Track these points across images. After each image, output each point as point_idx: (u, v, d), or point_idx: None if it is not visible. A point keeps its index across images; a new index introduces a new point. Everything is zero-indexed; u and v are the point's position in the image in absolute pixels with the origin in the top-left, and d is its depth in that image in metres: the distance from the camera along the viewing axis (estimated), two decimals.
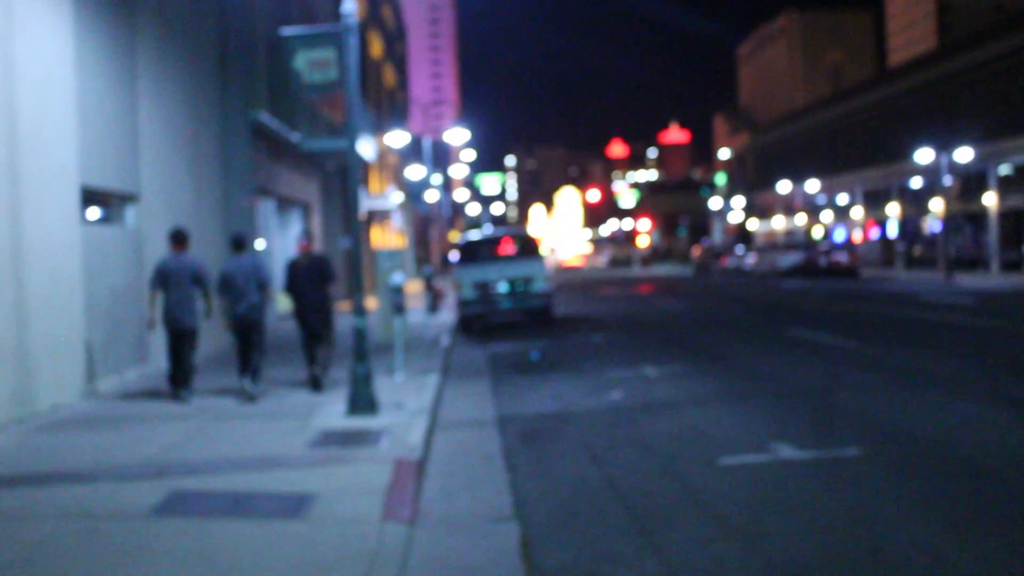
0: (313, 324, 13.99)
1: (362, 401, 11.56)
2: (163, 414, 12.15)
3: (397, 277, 15.87)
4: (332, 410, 11.99)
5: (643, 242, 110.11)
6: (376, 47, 50.02)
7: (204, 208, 19.89)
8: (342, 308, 29.96)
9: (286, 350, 17.87)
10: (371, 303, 25.11)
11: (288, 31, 12.12)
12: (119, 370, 14.91)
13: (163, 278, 13.05)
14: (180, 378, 13.22)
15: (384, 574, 6.09)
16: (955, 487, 7.74)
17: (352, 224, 12.36)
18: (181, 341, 13.22)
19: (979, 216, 52.85)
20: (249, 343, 13.33)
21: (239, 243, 13.66)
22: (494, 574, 6.21)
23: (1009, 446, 9.10)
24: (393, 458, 9.22)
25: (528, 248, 26.86)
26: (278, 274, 22.84)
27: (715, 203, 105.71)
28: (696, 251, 76.81)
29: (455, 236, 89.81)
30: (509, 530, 7.15)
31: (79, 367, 13.45)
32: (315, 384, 13.75)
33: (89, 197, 14.43)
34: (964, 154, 48.80)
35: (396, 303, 15.51)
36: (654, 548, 6.53)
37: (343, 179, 37.39)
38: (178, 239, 13.26)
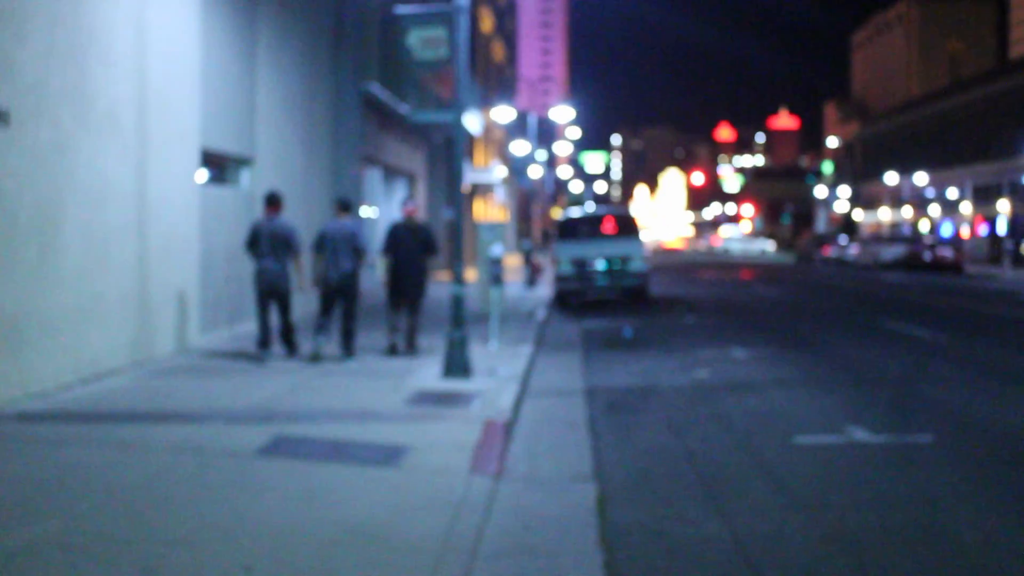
0: (406, 289, 14.23)
1: (457, 365, 12.11)
2: (269, 367, 12.85)
3: (496, 249, 16.37)
4: (428, 372, 12.57)
5: (746, 227, 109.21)
6: (486, 22, 50.56)
7: (313, 174, 20.66)
8: (440, 278, 30.67)
9: (377, 315, 18.54)
10: (471, 274, 25.69)
11: (402, 9, 12.69)
12: (231, 324, 15.72)
13: (255, 239, 13.25)
14: (267, 339, 13.29)
15: (468, 520, 6.60)
16: (1020, 477, 8.00)
17: (455, 195, 12.88)
18: (270, 302, 13.28)
19: None
20: (337, 307, 13.65)
21: (345, 205, 13.97)
22: (570, 526, 6.69)
23: None
24: (483, 419, 9.75)
25: (628, 227, 27.21)
26: (380, 238, 23.59)
27: (821, 192, 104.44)
28: (800, 239, 76.11)
29: (557, 213, 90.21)
30: (587, 489, 7.62)
31: (194, 318, 14.26)
32: (392, 351, 14.06)
33: (208, 159, 15.21)
34: None
35: (494, 274, 16.01)
36: (720, 513, 6.95)
37: (448, 151, 38.11)
38: (272, 203, 13.36)
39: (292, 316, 13.75)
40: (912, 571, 5.82)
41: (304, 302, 16.29)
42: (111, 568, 5.49)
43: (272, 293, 13.23)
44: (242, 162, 16.71)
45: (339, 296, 13.63)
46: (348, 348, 13.66)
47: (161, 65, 13.02)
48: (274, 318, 13.52)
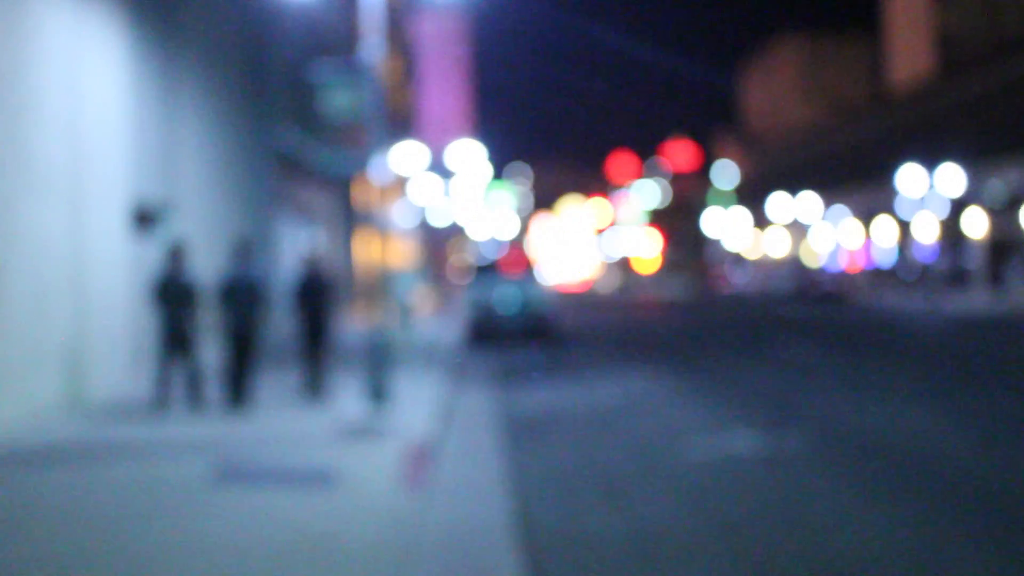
0: (314, 332, 14.69)
1: (379, 394, 13.07)
2: (200, 409, 13.70)
3: (409, 288, 17.39)
4: (351, 403, 13.53)
5: (646, 259, 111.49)
6: (392, 67, 51.67)
7: (231, 220, 21.52)
8: (353, 318, 31.51)
9: (286, 358, 19.15)
10: (384, 313, 26.62)
11: (317, 74, 13.74)
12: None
13: (162, 289, 13.39)
14: (167, 389, 13.33)
15: (404, 529, 7.60)
16: (873, 467, 9.35)
17: (386, 236, 13.90)
18: (177, 350, 13.43)
19: (968, 238, 54.19)
20: (243, 353, 13.63)
21: (240, 252, 14.08)
22: (493, 529, 7.75)
23: (922, 435, 10.67)
24: (407, 441, 10.79)
25: (532, 267, 28.78)
26: (290, 282, 24.42)
27: (715, 223, 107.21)
28: (699, 269, 78.34)
29: (462, 252, 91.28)
30: (506, 499, 8.68)
31: (126, 363, 15.05)
32: (314, 388, 14.47)
33: (137, 211, 16.00)
34: (954, 177, 50.13)
35: (407, 313, 17.03)
36: (621, 512, 8.14)
37: (350, 194, 39.04)
38: (176, 255, 13.51)
39: (199, 363, 13.77)
40: (781, 547, 7.03)
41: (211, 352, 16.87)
42: None
43: (179, 341, 13.45)
44: (167, 211, 17.53)
45: (245, 340, 13.68)
46: (244, 394, 13.63)
47: (95, 126, 13.90)
48: (182, 366, 13.59)
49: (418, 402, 13.84)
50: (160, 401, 13.30)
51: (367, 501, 8.38)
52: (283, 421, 12.58)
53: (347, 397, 14.26)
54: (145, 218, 16.56)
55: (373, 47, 13.55)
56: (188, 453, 10.39)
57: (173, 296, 13.37)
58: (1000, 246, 51.15)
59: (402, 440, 11.04)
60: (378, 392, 13.09)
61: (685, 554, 6.96)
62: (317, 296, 14.91)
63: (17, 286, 11.62)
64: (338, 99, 13.24)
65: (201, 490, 8.84)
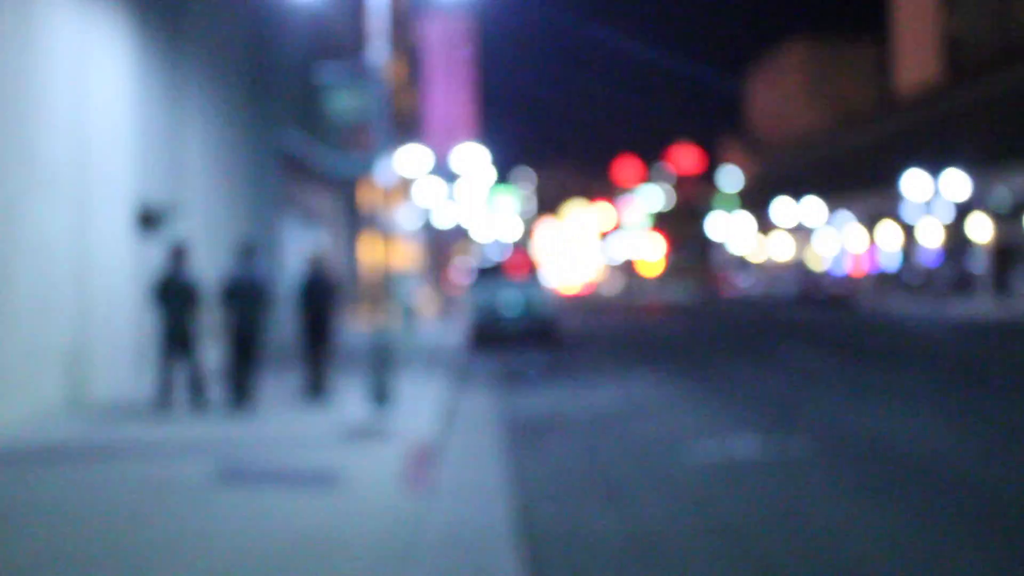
0: (317, 333, 14.70)
1: (382, 396, 13.11)
2: (203, 409, 13.72)
3: (412, 291, 17.42)
4: (354, 406, 13.55)
5: (650, 264, 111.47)
6: (397, 70, 51.77)
7: (236, 221, 21.56)
8: (358, 320, 31.54)
9: (290, 359, 19.17)
10: (388, 315, 26.67)
11: (323, 74, 13.78)
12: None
13: (163, 289, 13.36)
14: (170, 388, 13.36)
15: (405, 531, 7.62)
16: (877, 473, 9.34)
17: (390, 246, 13.91)
18: (178, 350, 13.42)
19: (973, 244, 54.15)
20: (245, 354, 13.57)
21: (245, 252, 13.99)
22: (495, 529, 7.77)
23: (928, 441, 10.67)
24: (410, 443, 10.81)
25: (534, 271, 28.73)
26: (294, 283, 24.46)
27: (721, 226, 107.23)
28: (703, 273, 78.35)
29: (467, 253, 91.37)
30: (508, 499, 8.71)
31: (132, 364, 15.11)
32: (316, 389, 14.43)
33: (141, 212, 16.05)
34: (959, 183, 50.08)
35: (411, 315, 17.05)
36: (621, 514, 8.15)
37: (354, 196, 39.12)
38: (179, 255, 13.52)
39: (200, 364, 13.75)
40: (783, 549, 7.04)
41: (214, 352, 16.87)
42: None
43: (179, 341, 13.41)
44: (172, 212, 17.57)
45: (248, 341, 13.64)
46: (249, 393, 13.62)
47: (99, 127, 13.94)
48: (182, 366, 13.55)
49: (421, 404, 13.86)
50: (162, 401, 13.30)
51: (369, 502, 8.40)
52: (285, 422, 12.61)
53: (350, 398, 14.28)
54: (149, 219, 16.60)
55: (378, 49, 13.58)
56: (190, 454, 10.41)
57: (174, 296, 13.33)
58: (1005, 252, 51.08)
59: (404, 441, 11.06)
60: (380, 393, 13.12)
61: (686, 556, 6.97)
62: (321, 297, 14.88)
63: (21, 286, 11.66)
64: (343, 101, 13.27)
65: (203, 490, 8.86)
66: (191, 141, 18.31)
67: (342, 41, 34.22)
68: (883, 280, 65.57)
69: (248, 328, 13.65)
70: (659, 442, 11.34)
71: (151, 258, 16.35)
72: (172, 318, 13.35)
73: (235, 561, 6.69)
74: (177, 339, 13.39)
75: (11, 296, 11.41)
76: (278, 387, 15.45)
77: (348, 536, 7.29)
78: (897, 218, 63.92)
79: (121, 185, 14.81)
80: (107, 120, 14.25)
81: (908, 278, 61.15)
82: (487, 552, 7.15)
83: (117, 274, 14.71)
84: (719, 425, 12.37)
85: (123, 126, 14.88)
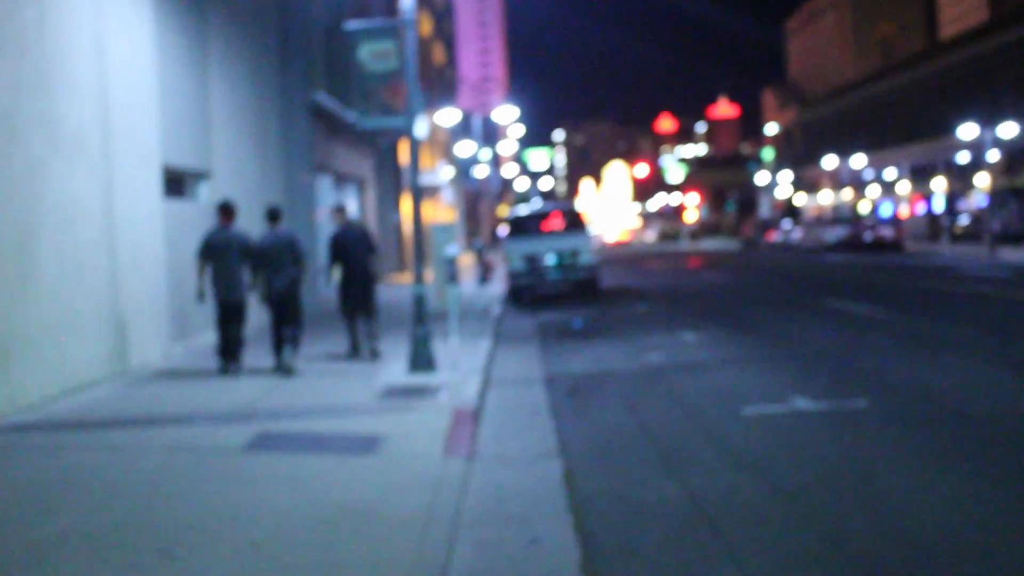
0: (358, 294, 14.44)
1: (422, 360, 12.74)
2: (240, 373, 13.38)
3: (451, 249, 16.98)
4: (394, 368, 13.19)
5: (691, 217, 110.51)
6: (425, 25, 51.13)
7: (267, 184, 21.18)
8: (395, 280, 31.20)
9: (329, 323, 18.97)
10: (427, 275, 26.31)
11: (351, 25, 13.29)
12: (197, 333, 16.22)
13: (210, 250, 13.10)
14: (228, 351, 13.20)
15: (447, 496, 7.23)
16: (943, 432, 8.79)
17: (415, 202, 13.46)
18: (228, 314, 13.24)
19: None
20: (284, 317, 13.30)
21: (274, 215, 13.67)
22: (541, 496, 7.36)
23: (1001, 402, 10.09)
24: (451, 407, 10.40)
25: (575, 222, 28.01)
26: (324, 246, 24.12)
27: (763, 178, 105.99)
28: (745, 226, 77.43)
29: (504, 211, 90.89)
30: (554, 464, 8.29)
31: (162, 330, 14.77)
32: (355, 351, 14.25)
33: (168, 175, 15.70)
34: (1009, 129, 49.08)
35: (450, 273, 16.62)
36: (676, 477, 7.66)
37: (395, 155, 38.65)
38: (225, 211, 13.29)
39: (245, 328, 13.52)
40: (849, 515, 6.55)
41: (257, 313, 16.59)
42: (130, 551, 6.07)
43: (228, 303, 13.22)
44: (200, 176, 17.21)
45: (284, 304, 13.37)
46: (291, 356, 13.27)
47: (121, 86, 13.52)
48: (222, 330, 13.30)
49: (462, 362, 13.46)
50: (222, 364, 13.14)
51: (410, 468, 8.01)
52: (325, 385, 12.22)
53: (391, 360, 13.92)
54: (178, 180, 16.27)
55: (409, 2, 13.01)
56: (227, 419, 10.06)
57: (221, 254, 13.04)
58: None
59: (446, 404, 10.67)
60: (421, 354, 12.74)
61: (748, 524, 6.50)
62: (354, 252, 14.51)
63: (48, 251, 11.31)
64: (372, 50, 12.78)
65: (239, 457, 8.50)
66: (218, 101, 17.88)
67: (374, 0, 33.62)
68: (931, 224, 64.40)
69: (285, 290, 13.35)
70: (710, 399, 10.83)
71: (183, 218, 16.02)
72: (221, 277, 13.07)
73: (269, 532, 6.33)
74: (231, 299, 13.15)
75: (38, 261, 11.07)
76: (320, 349, 15.11)
77: (389, 506, 6.91)
78: (945, 164, 62.73)
79: (146, 146, 14.40)
80: (129, 79, 13.83)
81: (955, 223, 60.01)
82: (535, 522, 6.74)
83: (147, 236, 14.34)
84: (772, 381, 11.82)
85: (146, 85, 14.45)
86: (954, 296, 22.47)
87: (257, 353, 14.30)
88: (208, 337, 16.41)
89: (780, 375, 12.18)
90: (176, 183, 16.48)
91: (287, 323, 13.29)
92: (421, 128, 32.48)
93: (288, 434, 9.34)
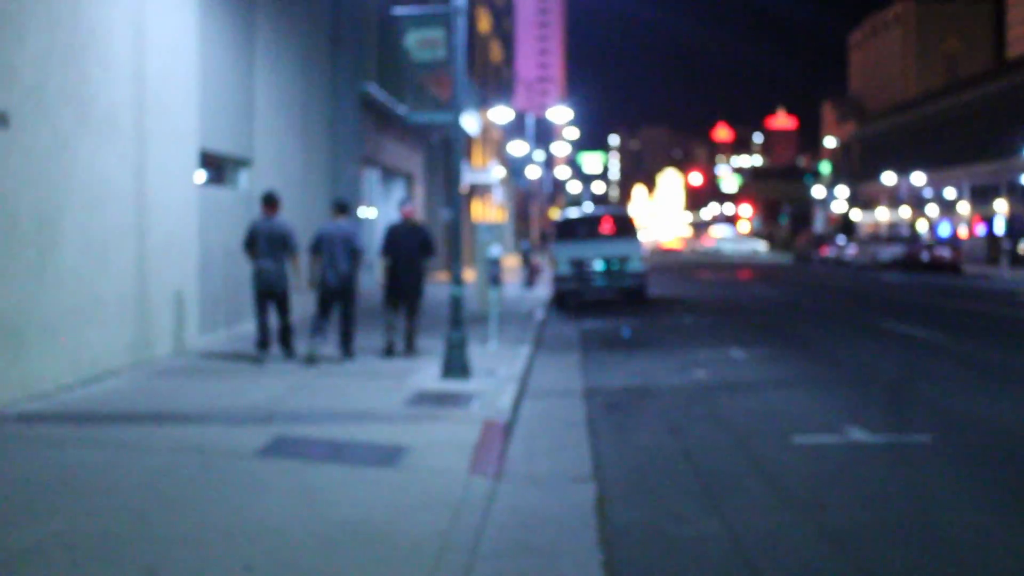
0: (404, 290, 14.20)
1: (456, 365, 12.14)
2: (268, 368, 12.88)
3: (495, 250, 16.39)
4: (427, 373, 12.59)
5: (744, 228, 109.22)
6: (484, 22, 50.59)
7: (312, 175, 20.69)
8: (439, 278, 30.69)
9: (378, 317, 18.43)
10: (469, 274, 25.75)
11: (400, 11, 12.71)
12: (230, 324, 15.76)
13: (254, 240, 13.21)
14: (266, 341, 13.27)
15: (468, 520, 6.63)
16: (1014, 474, 8.04)
17: (454, 196, 12.90)
18: (269, 303, 13.30)
19: None
20: (339, 311, 13.64)
21: (341, 207, 13.95)
22: (569, 525, 6.72)
23: None
24: (482, 419, 9.78)
25: (625, 228, 27.29)
26: (379, 239, 23.65)
27: (818, 192, 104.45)
28: (798, 239, 76.18)
29: (555, 213, 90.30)
30: (586, 489, 7.65)
31: (193, 319, 14.29)
32: (390, 351, 13.97)
33: (206, 160, 15.24)
34: None
35: (492, 275, 16.02)
36: (718, 512, 6.99)
37: (446, 152, 38.13)
38: (269, 203, 13.34)
39: (291, 317, 13.66)
40: (909, 569, 5.86)
41: (301, 303, 16.22)
42: (113, 567, 5.52)
43: (271, 294, 13.23)
44: (240, 163, 16.74)
45: (338, 298, 13.62)
46: (347, 349, 13.68)
47: (159, 66, 13.05)
48: (273, 319, 13.49)
49: (499, 369, 12.85)
50: (260, 347, 13.26)
51: (431, 484, 7.41)
52: (354, 386, 11.65)
53: (425, 362, 13.35)
54: (218, 167, 15.82)
55: None
56: (247, 418, 9.52)
57: (266, 244, 13.13)
58: None
59: (477, 414, 10.06)
60: (455, 359, 12.15)
61: (792, 571, 5.83)
62: (411, 254, 14.26)
63: (71, 231, 10.83)
64: (421, 37, 12.20)
65: (253, 462, 7.95)
66: (263, 88, 17.39)
67: None
68: (991, 246, 62.92)
69: (342, 284, 13.53)
70: (759, 424, 10.13)
71: (222, 205, 15.56)
72: (265, 267, 13.15)
73: (266, 553, 5.76)
74: (274, 289, 13.24)
75: (60, 244, 10.59)
76: (360, 344, 14.67)
77: (402, 527, 6.31)
78: (1008, 185, 61.25)
79: (184, 130, 13.92)
80: (169, 60, 13.35)
81: (1017, 246, 58.53)
82: (560, 557, 6.11)
83: (181, 223, 13.87)
84: (826, 407, 11.09)
85: (186, 67, 13.97)
86: (1017, 323, 21.52)
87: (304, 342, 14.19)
88: (243, 328, 16.02)
89: (835, 401, 11.43)
90: (214, 169, 16.02)
91: (341, 315, 13.66)
92: (470, 122, 31.89)
93: (306, 439, 8.78)
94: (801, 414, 10.62)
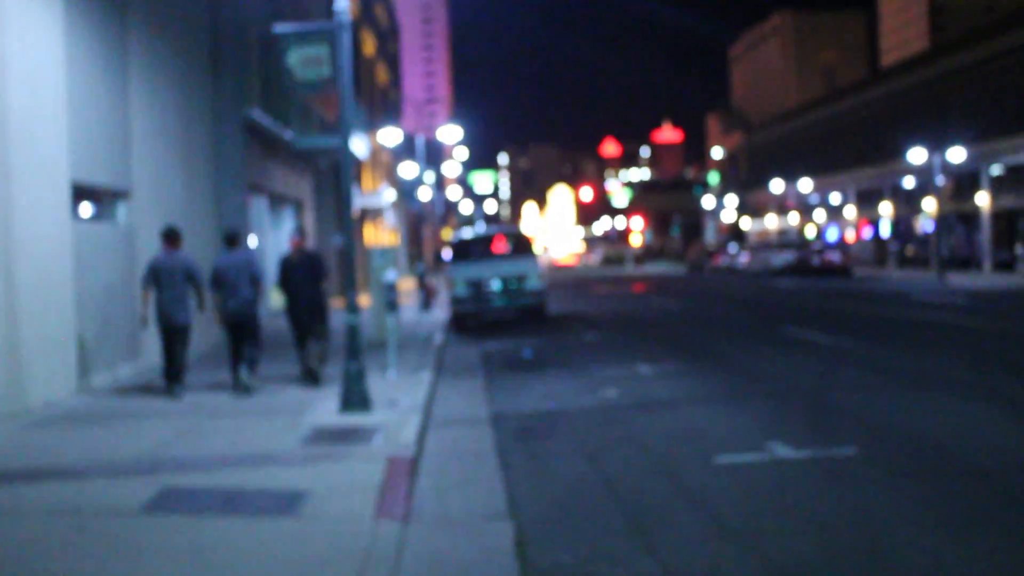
0: (305, 320, 14.08)
1: (355, 398, 11.49)
2: (155, 410, 12.08)
3: (390, 274, 15.79)
4: (325, 407, 11.92)
5: (636, 241, 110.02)
6: (369, 45, 49.89)
7: (196, 205, 19.80)
8: (334, 305, 29.86)
9: (278, 347, 17.73)
10: (364, 300, 25.02)
11: (281, 28, 12.04)
12: (112, 366, 14.84)
13: (156, 276, 13.15)
14: (173, 374, 13.29)
15: (377, 572, 6.03)
16: (951, 487, 7.69)
17: (345, 222, 12.27)
18: (174, 338, 13.31)
19: (972, 216, 52.94)
20: (242, 338, 13.51)
21: (232, 239, 13.89)
22: (488, 573, 6.15)
23: (1006, 447, 9.06)
24: (386, 455, 9.16)
25: (521, 246, 26.92)
26: (271, 270, 22.79)
27: (708, 202, 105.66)
28: (690, 250, 76.84)
29: (448, 234, 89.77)
30: (503, 528, 7.09)
31: (71, 363, 13.36)
32: (310, 377, 13.90)
33: (80, 193, 14.35)
34: (957, 154, 48.84)
35: (389, 300, 15.43)
36: (649, 547, 6.49)
37: (336, 177, 37.32)
38: (171, 238, 13.38)
39: (187, 354, 13.61)
40: None
41: (200, 338, 15.54)
42: None
43: (175, 329, 13.26)
44: (118, 195, 15.83)
45: (242, 326, 13.53)
46: (252, 371, 13.56)
47: (22, 94, 12.15)
48: (167, 354, 13.40)
49: (401, 399, 12.22)
50: (170, 387, 13.21)
51: (336, 533, 6.77)
52: (247, 426, 10.91)
53: (325, 395, 12.68)
54: (93, 199, 14.94)
55: (343, 3, 11.79)
56: (129, 469, 8.74)
57: (168, 280, 13.13)
58: (1004, 222, 49.86)
59: (381, 450, 9.43)
60: (353, 392, 11.51)
61: None
62: (307, 283, 14.11)
63: None
64: (303, 55, 11.55)
65: (135, 519, 7.20)
66: (139, 115, 16.48)
67: (310, 9, 32.32)
68: (878, 249, 64.22)
69: (245, 310, 13.50)
70: (678, 445, 9.67)
71: (98, 244, 14.66)
72: (166, 303, 13.16)
73: None
74: (177, 323, 13.25)
75: None
76: (273, 373, 14.49)
77: None
78: (891, 189, 62.59)
79: (51, 161, 13.00)
80: (31, 86, 12.43)
81: (904, 248, 59.84)
82: None
83: (54, 261, 12.93)
84: (744, 422, 10.69)
85: (52, 94, 13.05)
86: (916, 324, 21.59)
87: (204, 374, 14.26)
88: (127, 369, 15.21)
89: (752, 416, 11.04)
90: (90, 203, 15.11)
91: (245, 344, 13.52)
92: (359, 145, 31.22)
93: (195, 490, 8.05)
94: (720, 432, 10.20)
